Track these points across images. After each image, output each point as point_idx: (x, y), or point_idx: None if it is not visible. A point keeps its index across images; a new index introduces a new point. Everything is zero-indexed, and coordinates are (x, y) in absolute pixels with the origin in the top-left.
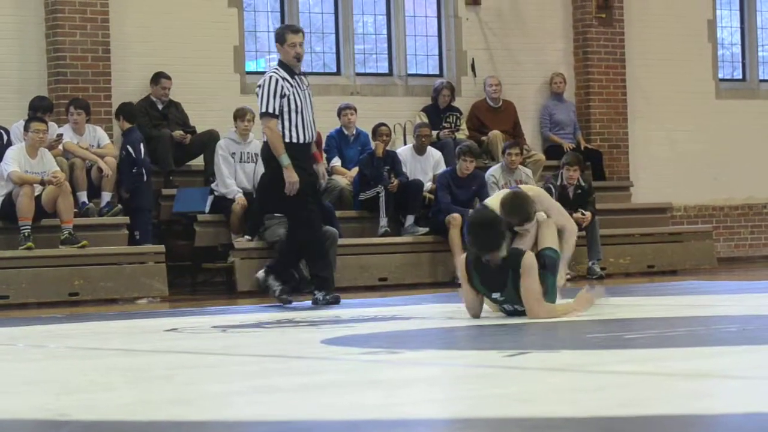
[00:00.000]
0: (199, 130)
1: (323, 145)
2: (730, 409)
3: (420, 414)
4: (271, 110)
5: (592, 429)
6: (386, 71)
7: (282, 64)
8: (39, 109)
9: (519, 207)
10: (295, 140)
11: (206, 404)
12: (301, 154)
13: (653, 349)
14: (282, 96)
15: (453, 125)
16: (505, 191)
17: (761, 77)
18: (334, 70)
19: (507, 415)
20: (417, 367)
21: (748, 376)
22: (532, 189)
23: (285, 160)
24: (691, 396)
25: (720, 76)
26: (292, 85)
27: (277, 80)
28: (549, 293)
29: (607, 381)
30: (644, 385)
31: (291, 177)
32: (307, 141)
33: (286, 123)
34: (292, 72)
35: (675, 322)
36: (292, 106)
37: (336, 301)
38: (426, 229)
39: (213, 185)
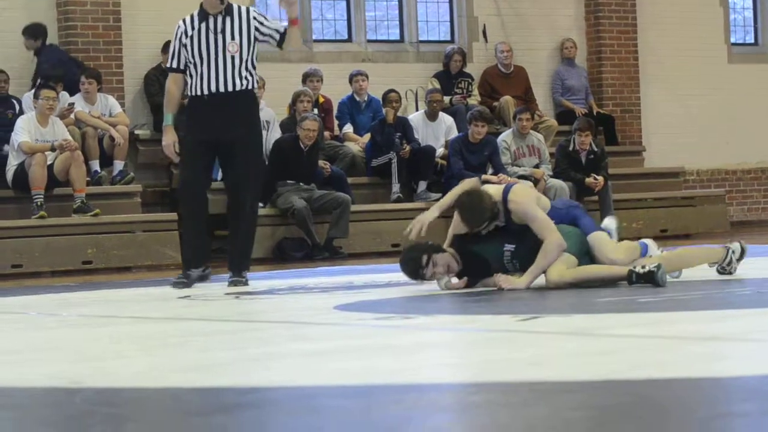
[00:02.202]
0: None
1: (335, 111)
2: (743, 372)
3: (433, 378)
4: (168, 65)
5: (604, 392)
6: (398, 38)
7: (201, 6)
8: (50, 78)
9: (470, 211)
10: (194, 93)
11: (220, 370)
12: (199, 110)
13: (666, 312)
14: (183, 46)
15: (464, 91)
16: (468, 186)
17: None
18: (346, 37)
19: (520, 379)
20: (430, 332)
21: (762, 339)
22: (521, 192)
23: (165, 119)
24: (703, 359)
25: (732, 40)
26: (194, 29)
27: (177, 31)
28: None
29: (619, 344)
30: (656, 349)
31: (164, 139)
32: (212, 92)
33: (188, 75)
34: (205, 15)
35: (688, 286)
36: (190, 57)
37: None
38: (438, 195)
39: None
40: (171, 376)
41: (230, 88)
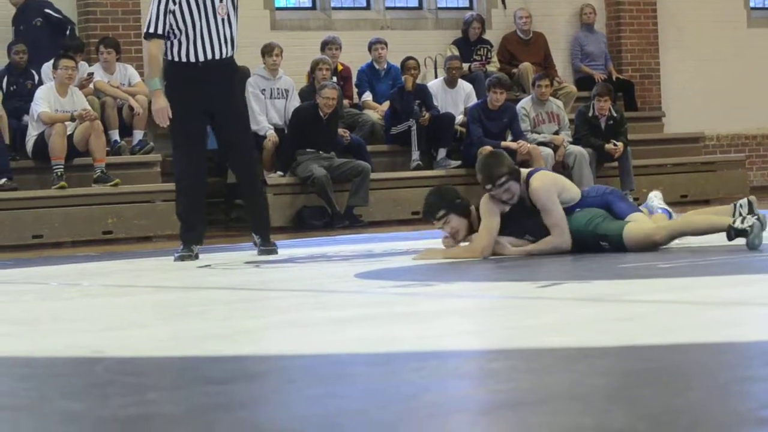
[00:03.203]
0: None
1: (354, 79)
2: (763, 337)
3: (453, 345)
4: (152, 30)
5: (624, 358)
6: (416, 5)
7: None
8: (70, 49)
9: (485, 165)
10: (183, 60)
11: (240, 339)
12: (190, 78)
13: (686, 278)
14: (171, 12)
15: (484, 58)
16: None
17: None
18: (364, 4)
19: (541, 346)
20: (450, 299)
21: None
22: (545, 177)
23: (153, 84)
24: (724, 324)
25: (752, 4)
26: None
27: None
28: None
29: (640, 310)
30: (677, 314)
31: (156, 103)
32: (206, 59)
33: (174, 41)
34: None
35: (708, 251)
36: (180, 23)
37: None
38: (458, 162)
39: None
40: (191, 345)
41: (220, 55)
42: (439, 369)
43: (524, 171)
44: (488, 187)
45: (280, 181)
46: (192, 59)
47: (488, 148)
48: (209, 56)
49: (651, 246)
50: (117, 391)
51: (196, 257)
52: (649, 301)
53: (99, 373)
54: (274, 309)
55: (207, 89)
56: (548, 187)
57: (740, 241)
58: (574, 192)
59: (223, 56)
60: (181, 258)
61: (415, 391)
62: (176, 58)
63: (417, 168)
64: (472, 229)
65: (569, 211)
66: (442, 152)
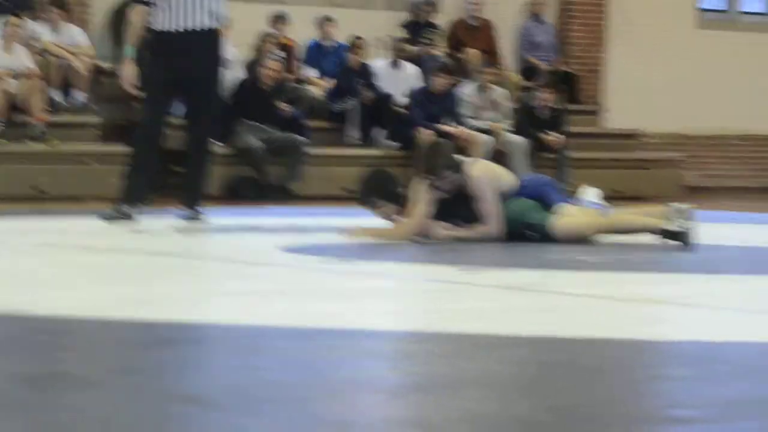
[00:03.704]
0: None
1: (300, 55)
2: (679, 337)
3: (372, 325)
4: None
5: (539, 349)
6: None
7: None
8: (18, 6)
9: (427, 157)
10: (162, 29)
11: (160, 305)
12: (164, 44)
13: (612, 272)
14: None
15: (431, 41)
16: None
17: (743, 9)
18: None
19: (458, 331)
20: (374, 278)
21: (700, 304)
22: (484, 167)
23: (127, 51)
24: (643, 321)
25: (702, 6)
26: None
27: None
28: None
29: (561, 302)
30: (597, 308)
31: (125, 70)
32: (186, 29)
33: (158, 10)
34: None
35: (634, 248)
36: None
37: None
38: (397, 144)
39: None
40: (109, 309)
41: (199, 26)
42: (353, 348)
43: (464, 159)
44: (430, 178)
45: (216, 151)
46: (172, 28)
47: (428, 131)
48: (189, 26)
49: (580, 239)
50: (29, 350)
51: (127, 217)
52: (571, 293)
53: (14, 331)
54: (196, 277)
55: (182, 59)
56: (487, 176)
57: (621, 237)
58: (512, 181)
59: (204, 27)
60: (109, 217)
61: (328, 367)
62: (158, 27)
63: (355, 146)
64: (396, 216)
65: (505, 199)
66: (381, 132)
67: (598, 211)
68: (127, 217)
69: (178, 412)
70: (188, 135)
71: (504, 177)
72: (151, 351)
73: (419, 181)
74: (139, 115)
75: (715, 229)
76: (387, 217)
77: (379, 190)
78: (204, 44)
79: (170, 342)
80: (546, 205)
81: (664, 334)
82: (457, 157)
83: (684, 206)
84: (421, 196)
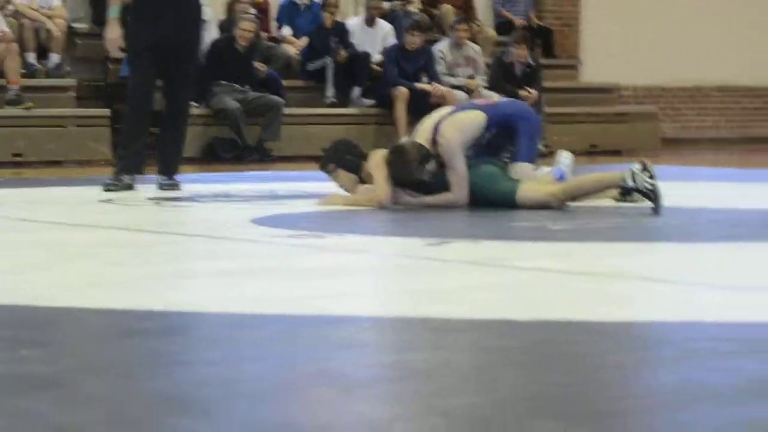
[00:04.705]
0: None
1: (274, 13)
2: (641, 317)
3: (329, 310)
4: None
5: (492, 333)
6: None
7: None
8: None
9: (396, 168)
10: None
11: (128, 289)
12: (146, 8)
13: (574, 243)
14: None
15: None
16: (402, 142)
17: None
18: None
19: (413, 315)
20: (339, 254)
21: (667, 279)
22: (452, 128)
23: (111, 11)
24: (600, 301)
25: None
26: None
27: None
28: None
29: (520, 277)
30: (556, 285)
31: (110, 32)
32: None
33: None
34: None
35: (606, 211)
36: None
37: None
38: (372, 102)
39: None
40: (78, 295)
41: None
42: (321, 336)
43: (431, 124)
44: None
45: (193, 112)
46: None
47: (403, 89)
48: None
49: (544, 207)
50: None
51: (128, 187)
52: (533, 267)
53: None
54: (164, 256)
55: (164, 23)
56: (456, 139)
57: (632, 205)
58: (480, 121)
59: None
60: (107, 188)
61: (268, 360)
62: None
63: (331, 105)
64: (362, 182)
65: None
66: (356, 90)
67: (554, 177)
68: (128, 187)
69: (147, 416)
70: (167, 99)
71: (472, 125)
72: (111, 344)
73: (379, 155)
74: (130, 84)
75: (692, 187)
76: (340, 185)
77: (338, 159)
78: (187, 8)
79: (140, 333)
80: (512, 142)
81: (631, 315)
82: (417, 148)
83: (642, 162)
84: (381, 166)
